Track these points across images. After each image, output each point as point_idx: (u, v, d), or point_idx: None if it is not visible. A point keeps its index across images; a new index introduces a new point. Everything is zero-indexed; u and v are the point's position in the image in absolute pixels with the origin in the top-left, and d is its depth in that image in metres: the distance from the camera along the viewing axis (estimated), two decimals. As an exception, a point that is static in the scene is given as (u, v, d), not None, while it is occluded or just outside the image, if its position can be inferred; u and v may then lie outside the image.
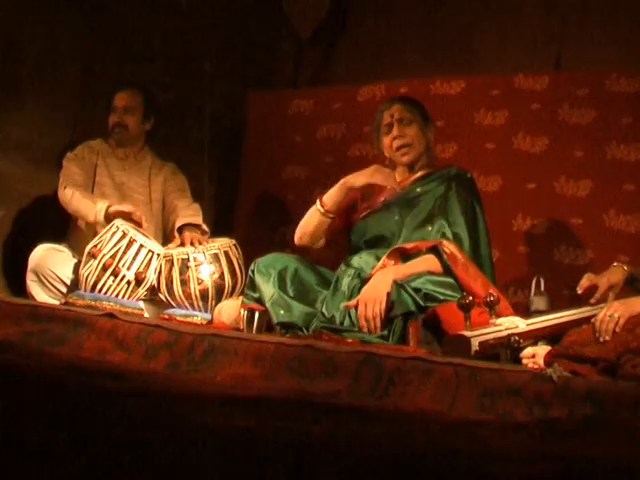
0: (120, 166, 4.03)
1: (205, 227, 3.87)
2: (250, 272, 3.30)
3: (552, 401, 2.22)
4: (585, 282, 2.79)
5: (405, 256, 3.17)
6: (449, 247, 3.12)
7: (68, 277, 3.73)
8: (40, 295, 3.70)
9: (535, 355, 2.54)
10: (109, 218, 3.66)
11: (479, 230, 3.28)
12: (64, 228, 3.95)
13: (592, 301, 2.74)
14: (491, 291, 2.91)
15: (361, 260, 3.29)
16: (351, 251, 3.42)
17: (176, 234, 3.82)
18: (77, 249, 3.76)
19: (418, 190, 3.37)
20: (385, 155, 3.46)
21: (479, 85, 4.13)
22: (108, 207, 3.67)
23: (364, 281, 3.15)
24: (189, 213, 3.91)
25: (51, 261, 3.73)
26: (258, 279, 3.25)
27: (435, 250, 3.14)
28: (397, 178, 3.44)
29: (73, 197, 3.79)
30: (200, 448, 1.85)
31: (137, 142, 4.08)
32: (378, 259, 3.23)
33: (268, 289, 3.20)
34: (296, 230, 3.52)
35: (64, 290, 3.71)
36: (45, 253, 3.75)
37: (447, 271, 3.08)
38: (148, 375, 2.75)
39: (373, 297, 3.02)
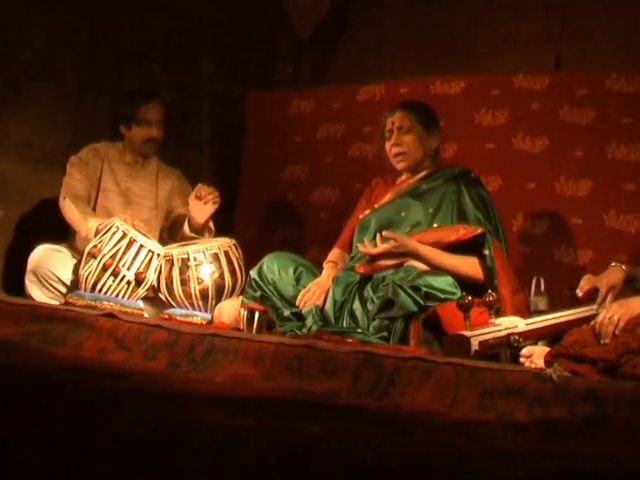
0: (126, 172, 3.98)
1: (211, 225, 3.84)
2: (256, 273, 3.35)
3: (552, 401, 2.22)
4: (585, 284, 2.77)
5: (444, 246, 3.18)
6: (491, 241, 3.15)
7: (67, 278, 3.72)
8: (39, 296, 3.69)
9: (534, 355, 2.54)
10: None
11: (498, 224, 3.32)
12: (64, 228, 3.94)
13: (595, 307, 2.71)
14: (490, 291, 2.91)
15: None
16: (353, 252, 3.43)
17: (186, 228, 3.80)
18: (77, 249, 3.76)
19: (424, 187, 3.42)
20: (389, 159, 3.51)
21: (479, 85, 4.12)
22: (99, 226, 3.63)
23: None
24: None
25: (50, 262, 3.72)
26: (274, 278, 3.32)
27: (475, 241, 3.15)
28: (402, 177, 3.51)
29: (70, 209, 3.78)
30: (200, 448, 1.85)
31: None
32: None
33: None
34: None
35: (63, 291, 3.70)
36: (44, 254, 3.74)
37: (489, 269, 3.10)
38: (148, 375, 2.75)
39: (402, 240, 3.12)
